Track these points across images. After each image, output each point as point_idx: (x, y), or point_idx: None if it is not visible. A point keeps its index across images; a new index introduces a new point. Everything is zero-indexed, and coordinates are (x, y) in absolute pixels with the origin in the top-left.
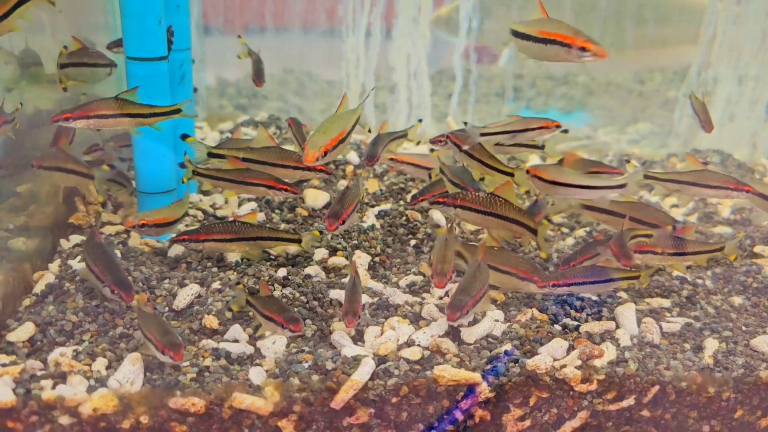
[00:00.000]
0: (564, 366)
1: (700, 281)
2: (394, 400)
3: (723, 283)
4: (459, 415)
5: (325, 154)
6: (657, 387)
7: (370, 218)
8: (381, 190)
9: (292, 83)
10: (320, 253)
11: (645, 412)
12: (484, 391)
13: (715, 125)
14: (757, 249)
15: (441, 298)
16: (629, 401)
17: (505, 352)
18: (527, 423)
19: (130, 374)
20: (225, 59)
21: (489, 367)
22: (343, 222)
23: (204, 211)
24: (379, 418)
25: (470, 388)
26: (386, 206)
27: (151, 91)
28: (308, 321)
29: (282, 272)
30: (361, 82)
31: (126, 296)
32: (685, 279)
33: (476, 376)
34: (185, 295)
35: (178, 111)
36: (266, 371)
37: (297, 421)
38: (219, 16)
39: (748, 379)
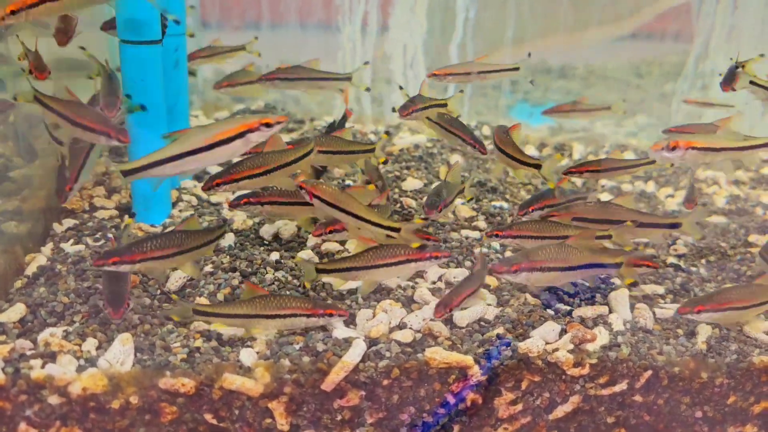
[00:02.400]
0: (556, 350)
1: (694, 269)
2: (385, 382)
3: (717, 271)
4: (454, 400)
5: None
6: (650, 372)
7: None
8: None
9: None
10: (314, 239)
11: (637, 397)
12: (476, 374)
13: (713, 117)
14: (752, 238)
15: (434, 282)
16: (622, 386)
17: (499, 337)
18: (519, 407)
19: (120, 354)
20: None
21: (482, 351)
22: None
23: (198, 197)
24: (370, 400)
25: (462, 372)
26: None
27: (144, 75)
28: None
29: (275, 256)
30: (357, 72)
31: (113, 313)
32: (679, 267)
33: (468, 359)
34: (177, 278)
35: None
36: (257, 353)
37: (287, 402)
38: (216, 10)
39: (741, 365)
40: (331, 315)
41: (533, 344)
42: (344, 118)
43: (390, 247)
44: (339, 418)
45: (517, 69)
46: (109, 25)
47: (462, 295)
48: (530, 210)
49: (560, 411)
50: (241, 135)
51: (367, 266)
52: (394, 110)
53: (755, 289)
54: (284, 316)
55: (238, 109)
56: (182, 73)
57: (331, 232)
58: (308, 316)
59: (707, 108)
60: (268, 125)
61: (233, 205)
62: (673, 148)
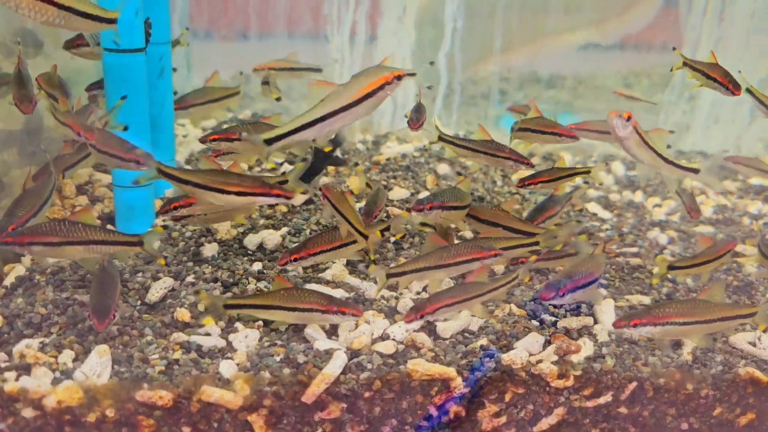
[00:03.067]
0: (540, 361)
1: (681, 280)
2: (366, 394)
3: (703, 281)
4: (436, 413)
5: None
6: (635, 383)
7: None
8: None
9: (279, 84)
10: None
11: (623, 409)
12: (459, 386)
13: (700, 127)
14: (739, 248)
15: (418, 293)
16: (606, 398)
17: (482, 348)
18: (503, 419)
19: (96, 366)
20: (211, 61)
21: (466, 363)
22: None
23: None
24: (352, 412)
25: (445, 384)
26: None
27: (128, 83)
28: None
29: (257, 266)
30: (345, 81)
31: (98, 323)
32: (665, 277)
33: (450, 371)
34: (158, 289)
35: None
36: (237, 364)
37: (267, 415)
38: (204, 19)
39: (726, 377)
40: (343, 313)
41: (517, 356)
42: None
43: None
44: (320, 430)
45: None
46: (70, 44)
47: (438, 303)
48: (526, 184)
49: (545, 423)
50: (381, 88)
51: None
52: (406, 116)
53: (698, 305)
54: (303, 310)
55: (230, 116)
56: (167, 82)
57: (176, 208)
58: (323, 312)
59: (633, 102)
60: (399, 77)
61: (162, 212)
62: (628, 119)
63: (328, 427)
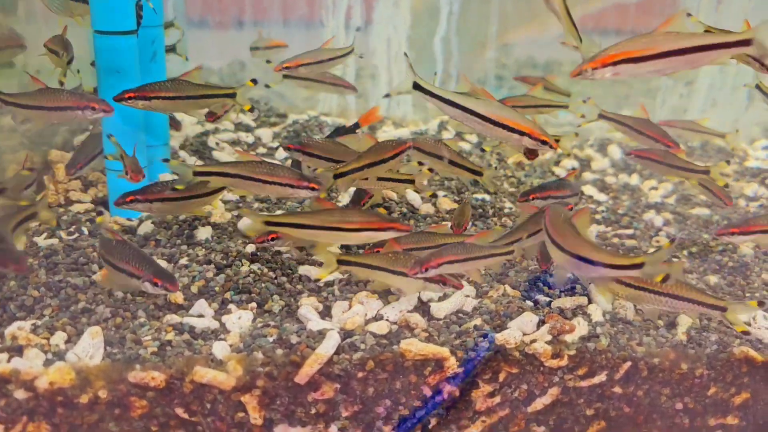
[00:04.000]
0: (534, 341)
1: (675, 260)
2: (360, 374)
3: (699, 262)
4: (430, 392)
5: None
6: (629, 363)
7: (345, 197)
8: None
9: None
10: None
11: (617, 389)
12: (452, 366)
13: (698, 111)
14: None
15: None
16: (601, 377)
17: (476, 328)
18: (497, 399)
19: (89, 348)
20: (208, 49)
21: (461, 344)
22: None
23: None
24: (345, 393)
25: (439, 364)
26: None
27: (119, 66)
28: (276, 296)
29: (251, 248)
30: (341, 66)
31: (171, 286)
32: None
33: (444, 351)
34: None
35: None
36: (230, 346)
37: (260, 396)
38: (198, 5)
39: (721, 356)
40: (391, 228)
41: (510, 335)
42: (356, 125)
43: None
44: (313, 411)
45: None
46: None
47: (442, 258)
48: (530, 198)
49: (539, 403)
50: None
51: None
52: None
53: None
54: (351, 230)
55: None
56: (160, 66)
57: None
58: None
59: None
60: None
61: (118, 203)
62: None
63: (322, 408)
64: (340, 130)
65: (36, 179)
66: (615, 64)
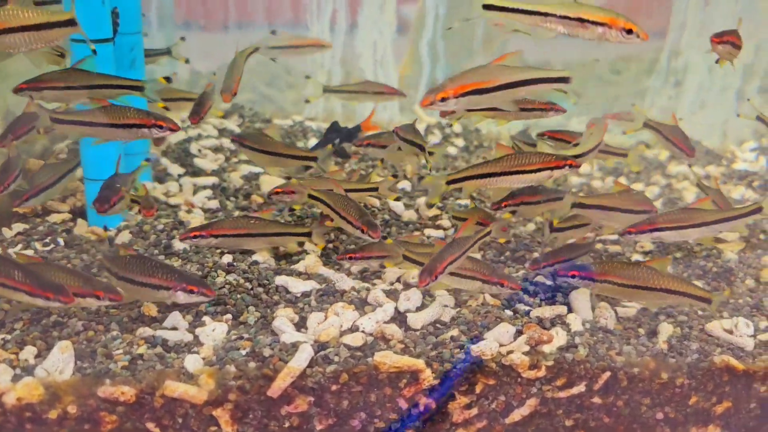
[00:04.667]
0: (511, 352)
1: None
2: (333, 387)
3: (683, 268)
4: (406, 405)
5: None
6: (608, 373)
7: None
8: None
9: (263, 74)
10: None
11: (596, 399)
12: (428, 378)
13: (686, 113)
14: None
15: (392, 283)
16: (580, 388)
17: (453, 339)
18: (474, 411)
19: (59, 363)
20: (196, 52)
21: (437, 356)
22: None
23: (156, 199)
24: (319, 406)
25: (414, 376)
26: None
27: None
28: (252, 308)
29: (227, 258)
30: (327, 70)
31: (209, 292)
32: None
33: (419, 363)
34: None
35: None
36: (203, 359)
37: (233, 410)
38: (182, 9)
39: (702, 365)
40: (566, 165)
41: (486, 347)
42: (357, 128)
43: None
44: (287, 425)
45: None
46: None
47: (444, 261)
48: (503, 206)
49: (517, 414)
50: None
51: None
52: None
53: (644, 271)
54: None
55: None
56: (139, 73)
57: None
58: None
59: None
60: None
61: (183, 239)
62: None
63: (296, 421)
64: (342, 131)
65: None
66: (465, 95)
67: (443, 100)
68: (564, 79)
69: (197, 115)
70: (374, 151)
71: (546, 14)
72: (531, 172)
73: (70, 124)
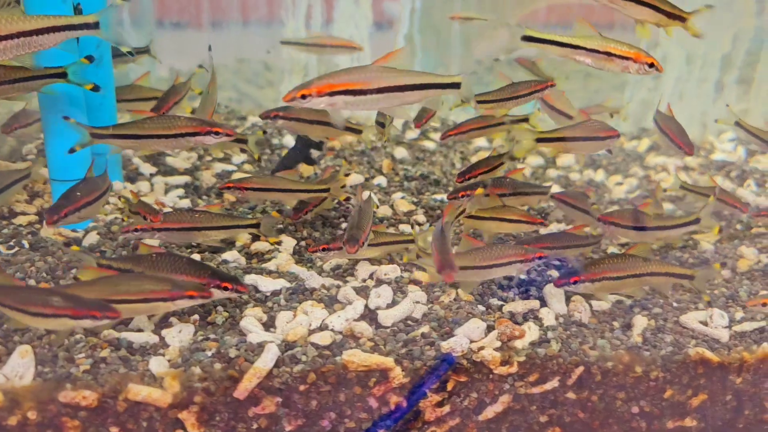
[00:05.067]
0: (482, 348)
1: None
2: (301, 387)
3: (660, 258)
4: (376, 404)
5: None
6: (581, 368)
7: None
8: (315, 173)
9: (245, 72)
10: (244, 238)
11: (570, 395)
12: (398, 376)
13: (664, 104)
14: None
15: (364, 280)
16: (553, 383)
17: (424, 336)
18: (446, 409)
19: (19, 368)
20: (165, 50)
21: (407, 353)
22: (363, 244)
23: (127, 199)
24: (287, 407)
25: (384, 374)
26: None
27: None
28: (220, 308)
29: (195, 257)
30: (303, 65)
31: (242, 288)
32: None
33: (389, 361)
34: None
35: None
36: (169, 361)
37: (199, 412)
38: (152, 5)
39: (676, 358)
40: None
41: (457, 343)
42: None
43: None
44: (255, 426)
45: None
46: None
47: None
48: (467, 177)
49: (490, 411)
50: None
51: None
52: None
53: (630, 260)
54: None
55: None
56: (107, 70)
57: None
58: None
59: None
60: None
61: (125, 232)
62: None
63: (264, 423)
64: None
65: None
66: (332, 94)
67: (304, 97)
68: (454, 85)
69: (158, 111)
70: (284, 123)
71: (577, 47)
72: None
73: (111, 138)
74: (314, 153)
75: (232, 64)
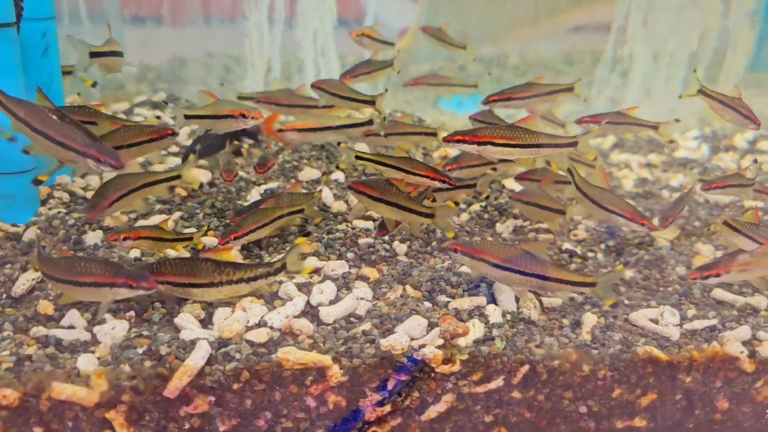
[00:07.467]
0: (423, 346)
1: (591, 254)
2: (235, 386)
3: (615, 255)
4: (314, 403)
5: None
6: (527, 366)
7: (254, 196)
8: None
9: (215, 67)
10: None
11: (516, 394)
12: (336, 374)
13: (633, 101)
14: (655, 221)
15: (311, 275)
16: (498, 382)
17: (364, 333)
18: (387, 408)
19: None
20: (126, 46)
21: (346, 351)
22: None
23: (72, 193)
24: (220, 406)
25: (321, 373)
26: (273, 184)
27: None
28: (158, 304)
29: (135, 253)
30: (266, 59)
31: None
32: (574, 252)
33: (326, 359)
34: (25, 280)
35: None
36: (98, 358)
37: (127, 411)
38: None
39: (624, 356)
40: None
41: (396, 341)
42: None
43: None
44: (187, 426)
45: None
46: None
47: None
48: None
49: (433, 411)
50: None
51: None
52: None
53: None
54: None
55: (139, 100)
56: (53, 60)
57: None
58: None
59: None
60: None
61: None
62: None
63: (197, 422)
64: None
65: None
66: None
67: None
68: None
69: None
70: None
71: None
72: None
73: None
74: (246, 142)
75: (202, 58)
